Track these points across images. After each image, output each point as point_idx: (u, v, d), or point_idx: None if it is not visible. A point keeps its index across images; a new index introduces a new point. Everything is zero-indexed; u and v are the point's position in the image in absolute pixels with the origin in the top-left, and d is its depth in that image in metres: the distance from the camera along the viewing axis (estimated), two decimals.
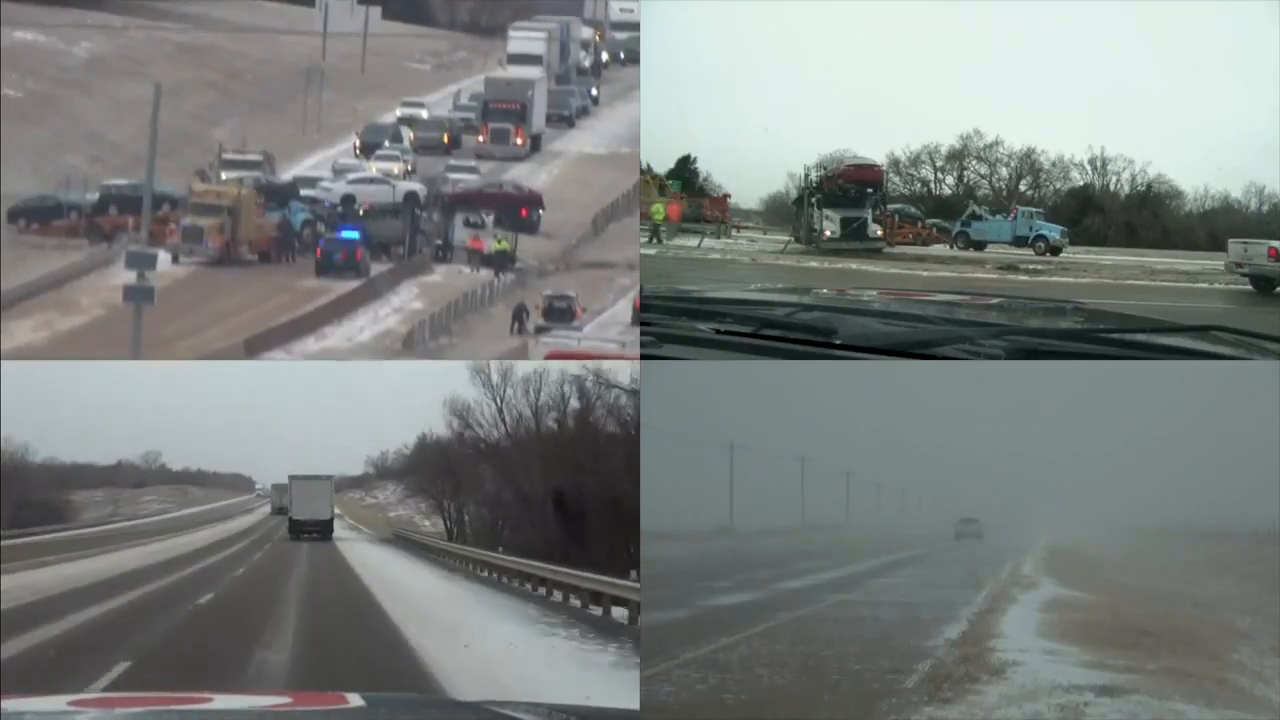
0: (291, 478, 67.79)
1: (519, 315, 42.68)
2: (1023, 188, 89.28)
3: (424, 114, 59.76)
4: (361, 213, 48.32)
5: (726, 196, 76.52)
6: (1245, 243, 52.61)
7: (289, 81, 59.99)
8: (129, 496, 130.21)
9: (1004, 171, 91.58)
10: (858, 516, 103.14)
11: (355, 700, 5.55)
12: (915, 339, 7.16)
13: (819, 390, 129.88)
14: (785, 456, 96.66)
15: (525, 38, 64.66)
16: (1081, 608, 25.83)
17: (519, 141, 57.13)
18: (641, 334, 7.47)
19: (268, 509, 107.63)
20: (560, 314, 42.62)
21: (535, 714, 5.42)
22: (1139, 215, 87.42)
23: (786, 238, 67.26)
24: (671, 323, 7.59)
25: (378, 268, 45.58)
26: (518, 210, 49.82)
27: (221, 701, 5.59)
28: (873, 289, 20.38)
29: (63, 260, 44.14)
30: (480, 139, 57.02)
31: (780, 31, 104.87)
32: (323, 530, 62.76)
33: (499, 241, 46.79)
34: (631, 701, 15.00)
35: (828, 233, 62.92)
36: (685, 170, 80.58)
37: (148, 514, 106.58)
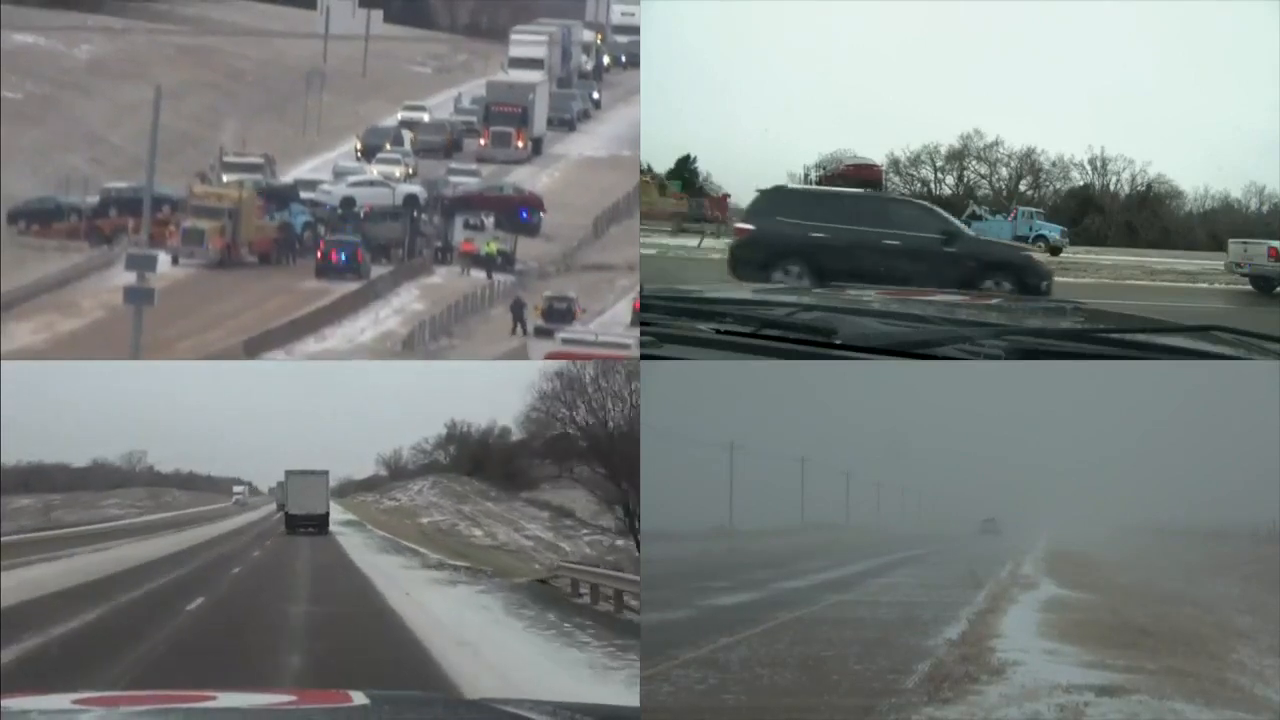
0: (288, 473, 67.96)
1: (518, 312, 42.70)
2: (1023, 188, 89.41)
3: (425, 117, 59.83)
4: (362, 215, 48.38)
5: (726, 196, 76.64)
6: (1245, 243, 52.66)
7: (290, 84, 60.04)
8: (88, 500, 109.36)
9: (1004, 171, 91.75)
10: (858, 516, 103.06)
11: (359, 698, 5.57)
12: (915, 339, 7.18)
13: (819, 390, 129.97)
14: (785, 456, 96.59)
15: (527, 41, 64.72)
16: (1081, 608, 25.85)
17: (520, 145, 57.21)
18: (641, 334, 7.50)
19: (247, 516, 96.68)
20: (560, 315, 42.67)
21: (537, 712, 5.44)
22: (1139, 215, 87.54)
23: None
24: (671, 323, 7.61)
25: (378, 270, 45.65)
26: (518, 213, 49.91)
27: (225, 699, 5.61)
28: (873, 289, 20.40)
29: (63, 262, 44.18)
30: (481, 142, 57.10)
31: (780, 32, 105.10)
32: (319, 524, 63.06)
33: (491, 244, 46.78)
34: (631, 701, 15.02)
35: None
36: (685, 170, 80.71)
37: (83, 521, 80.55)
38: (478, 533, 57.02)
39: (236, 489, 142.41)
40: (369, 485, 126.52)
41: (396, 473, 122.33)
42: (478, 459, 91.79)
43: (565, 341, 39.65)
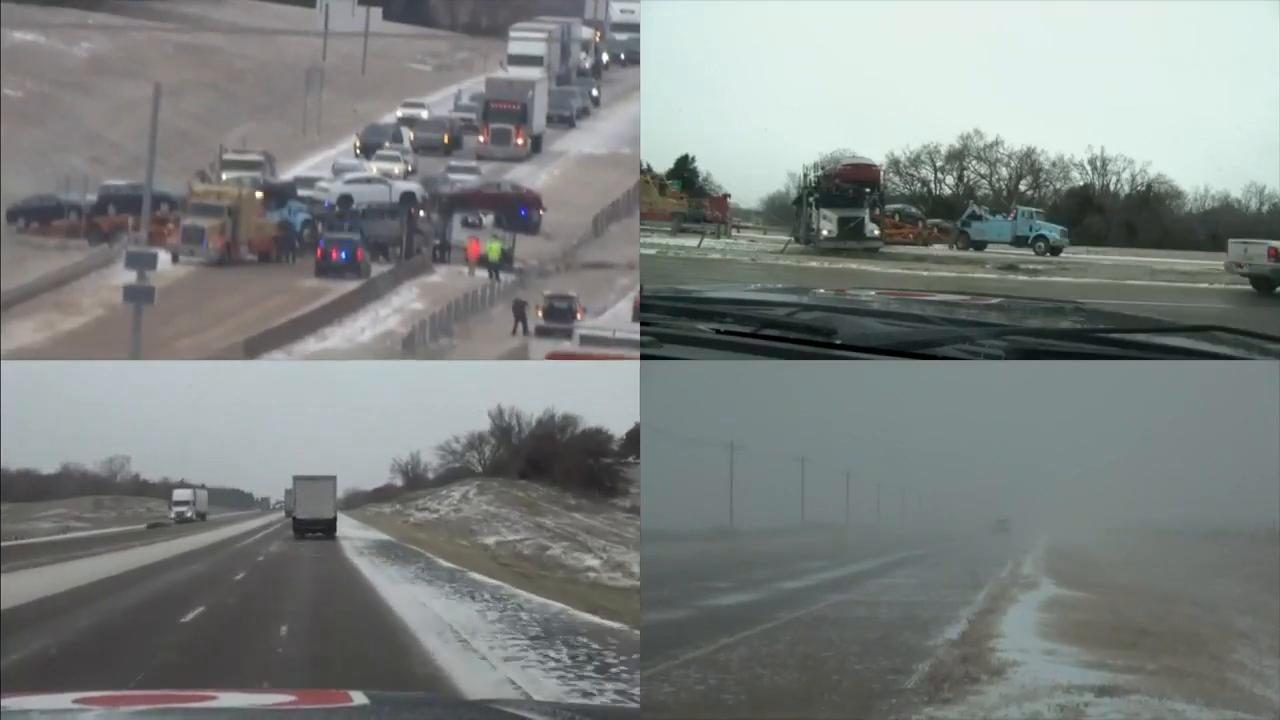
0: (295, 478, 68.26)
1: (519, 312, 42.62)
2: (1023, 188, 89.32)
3: (425, 114, 59.82)
4: (362, 212, 48.36)
5: (726, 196, 76.61)
6: (1245, 243, 52.64)
7: (290, 82, 60.02)
8: (20, 512, 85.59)
9: (1004, 171, 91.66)
10: (858, 516, 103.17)
11: (359, 698, 5.56)
12: (915, 339, 7.17)
13: (819, 390, 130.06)
14: (785, 456, 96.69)
15: (526, 39, 64.74)
16: (1081, 608, 25.84)
17: (520, 142, 57.20)
18: (641, 334, 7.48)
19: (185, 541, 60.68)
20: (561, 314, 42.58)
21: (538, 713, 5.44)
22: (1139, 215, 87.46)
23: (786, 238, 67.33)
24: (671, 323, 7.60)
25: (377, 268, 45.62)
26: (516, 210, 49.90)
27: (226, 699, 5.60)
28: (872, 289, 20.44)
29: (63, 260, 44.16)
30: (481, 139, 57.09)
31: (780, 32, 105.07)
32: (326, 529, 63.21)
33: (494, 246, 46.66)
34: (631, 701, 15.02)
35: (825, 232, 62.96)
36: (685, 170, 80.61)
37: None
38: (591, 562, 38.34)
39: (180, 495, 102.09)
40: (383, 495, 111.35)
41: (415, 480, 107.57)
42: (536, 458, 77.56)
43: (584, 339, 39.57)
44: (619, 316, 42.54)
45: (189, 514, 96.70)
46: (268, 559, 45.78)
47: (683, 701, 14.51)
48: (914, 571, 40.91)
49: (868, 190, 65.01)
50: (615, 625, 22.61)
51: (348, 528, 69.68)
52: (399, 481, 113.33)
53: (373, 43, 66.47)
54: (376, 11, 67.86)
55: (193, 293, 42.63)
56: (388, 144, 55.68)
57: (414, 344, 41.37)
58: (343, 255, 45.26)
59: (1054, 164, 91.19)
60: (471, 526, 58.59)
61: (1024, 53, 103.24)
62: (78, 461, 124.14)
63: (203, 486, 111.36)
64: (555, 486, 70.16)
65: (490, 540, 50.39)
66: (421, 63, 69.52)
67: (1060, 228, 69.87)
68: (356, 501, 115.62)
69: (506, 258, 46.53)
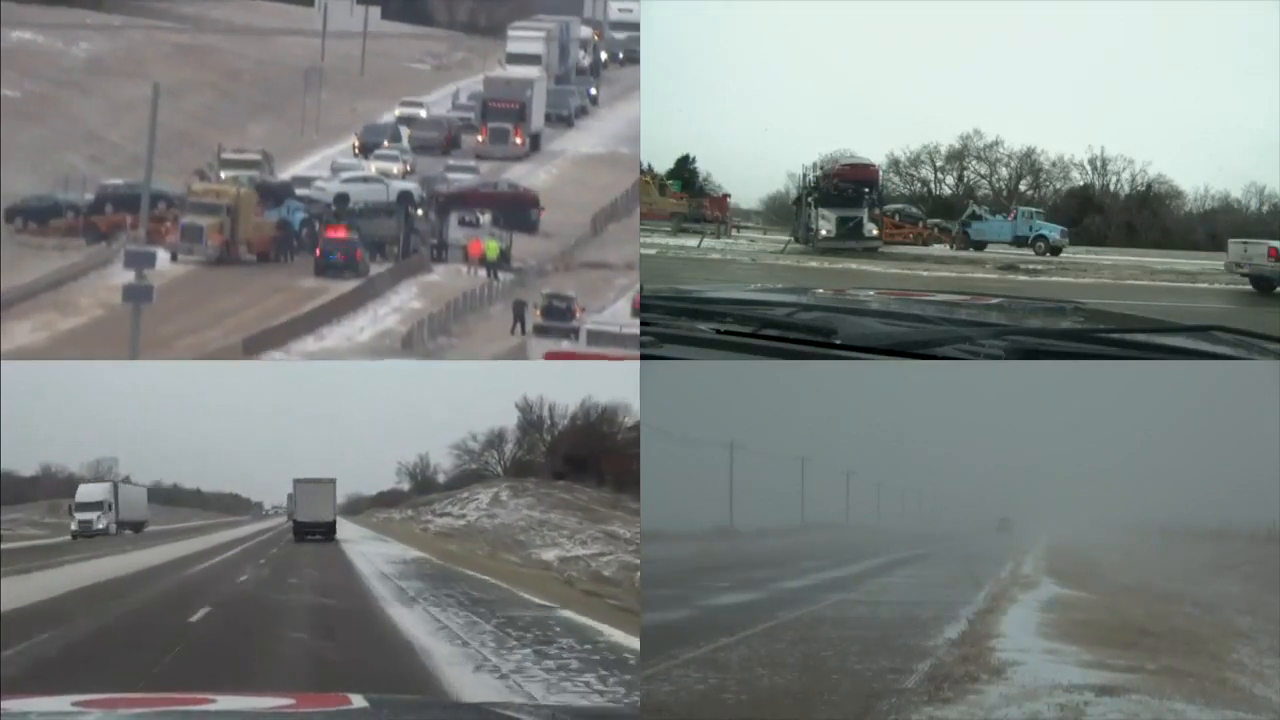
0: (296, 481, 68.34)
1: (519, 312, 42.60)
2: (1023, 188, 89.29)
3: (423, 114, 59.78)
4: (358, 211, 48.33)
5: (726, 196, 76.59)
6: (1245, 243, 52.67)
7: (288, 82, 59.99)
8: None
9: (1004, 171, 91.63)
10: (858, 516, 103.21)
11: (358, 701, 5.55)
12: (915, 339, 7.16)
13: (819, 390, 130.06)
14: (785, 456, 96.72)
15: (524, 37, 64.67)
16: (1081, 608, 25.84)
17: (518, 141, 57.14)
18: (641, 334, 7.47)
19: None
20: (559, 314, 42.57)
21: (537, 715, 5.42)
22: (1139, 215, 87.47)
23: (786, 238, 67.32)
24: (671, 323, 7.59)
25: (376, 268, 45.59)
26: (513, 209, 49.87)
27: (224, 702, 5.58)
28: (872, 289, 20.41)
29: (61, 260, 44.13)
30: (479, 139, 57.05)
31: (780, 31, 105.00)
32: (325, 532, 63.26)
33: (493, 246, 46.60)
34: (631, 701, 15.01)
35: (824, 232, 62.96)
36: (685, 170, 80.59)
37: None
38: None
39: (85, 495, 71.64)
40: (388, 500, 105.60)
41: (424, 484, 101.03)
42: (576, 456, 71.07)
43: (591, 334, 39.63)
44: (617, 315, 42.53)
45: (100, 525, 68.35)
46: (210, 619, 24.18)
47: (683, 701, 14.49)
48: (914, 571, 40.91)
49: (866, 190, 65.00)
50: None
51: (361, 539, 66.39)
52: (405, 485, 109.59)
53: (371, 42, 66.45)
54: (375, 11, 67.90)
55: (191, 292, 42.60)
56: (386, 143, 55.65)
57: (413, 343, 41.36)
58: (341, 255, 45.24)
59: (1054, 164, 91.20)
60: (516, 536, 48.75)
61: (1024, 53, 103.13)
62: (61, 463, 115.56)
63: (128, 480, 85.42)
64: (606, 488, 62.45)
65: (549, 555, 40.04)
66: (420, 62, 69.49)
67: (1060, 228, 69.89)
68: (359, 506, 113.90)
69: (504, 257, 46.53)
